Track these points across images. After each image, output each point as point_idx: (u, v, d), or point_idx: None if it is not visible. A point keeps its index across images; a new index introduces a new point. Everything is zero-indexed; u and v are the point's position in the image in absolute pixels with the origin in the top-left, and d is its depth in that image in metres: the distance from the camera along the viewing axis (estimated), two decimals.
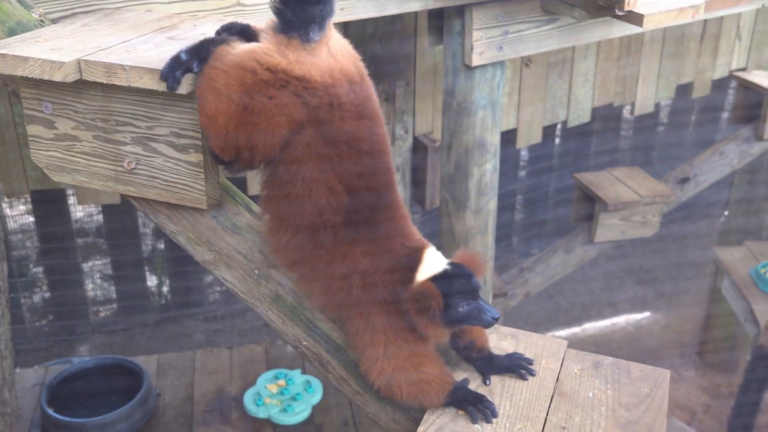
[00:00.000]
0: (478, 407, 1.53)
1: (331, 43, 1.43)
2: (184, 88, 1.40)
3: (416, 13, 3.19)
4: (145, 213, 1.66)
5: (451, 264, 1.50)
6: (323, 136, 1.40)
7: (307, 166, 1.41)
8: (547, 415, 1.54)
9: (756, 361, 2.85)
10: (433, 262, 1.49)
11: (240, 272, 1.61)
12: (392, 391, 1.53)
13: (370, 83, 1.49)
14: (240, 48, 1.41)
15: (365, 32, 3.26)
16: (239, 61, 1.38)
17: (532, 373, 1.63)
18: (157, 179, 1.55)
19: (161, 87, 1.40)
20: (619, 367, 1.67)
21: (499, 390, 1.60)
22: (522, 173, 5.42)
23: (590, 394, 1.60)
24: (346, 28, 3.25)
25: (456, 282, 1.47)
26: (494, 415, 1.52)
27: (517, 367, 1.63)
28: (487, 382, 1.61)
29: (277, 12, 1.38)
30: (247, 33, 1.50)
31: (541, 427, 1.51)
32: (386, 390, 1.53)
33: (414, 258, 1.49)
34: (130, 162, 1.55)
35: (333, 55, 1.42)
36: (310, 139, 1.40)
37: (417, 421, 1.54)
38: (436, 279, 1.46)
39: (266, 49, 1.38)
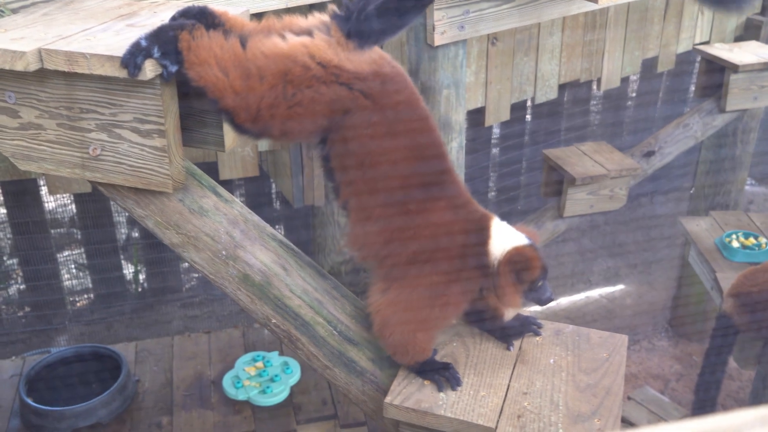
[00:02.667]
0: (444, 376, 1.59)
1: None
2: (145, 74, 1.42)
3: None
4: (114, 199, 1.69)
5: (528, 237, 1.61)
6: (382, 109, 1.49)
7: (381, 138, 1.51)
8: (509, 381, 1.60)
9: (719, 328, 2.93)
10: (506, 232, 1.60)
11: (208, 254, 1.64)
12: (381, 332, 1.61)
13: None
14: (292, 40, 1.48)
15: None
16: (290, 53, 1.46)
17: (537, 334, 1.74)
18: (123, 165, 1.57)
19: (122, 74, 1.42)
20: (579, 334, 1.73)
21: (464, 360, 1.65)
22: (494, 150, 5.47)
23: (551, 361, 1.66)
24: (311, 12, 3.26)
25: (542, 257, 1.59)
26: (458, 383, 1.58)
27: (530, 325, 1.75)
28: (510, 348, 1.70)
29: (357, 26, 1.46)
30: (205, 15, 1.53)
31: (504, 393, 1.57)
32: (377, 328, 1.62)
33: (483, 223, 1.60)
34: (96, 148, 1.57)
35: None
36: (371, 114, 1.49)
37: (385, 393, 1.59)
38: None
39: (319, 44, 1.47)
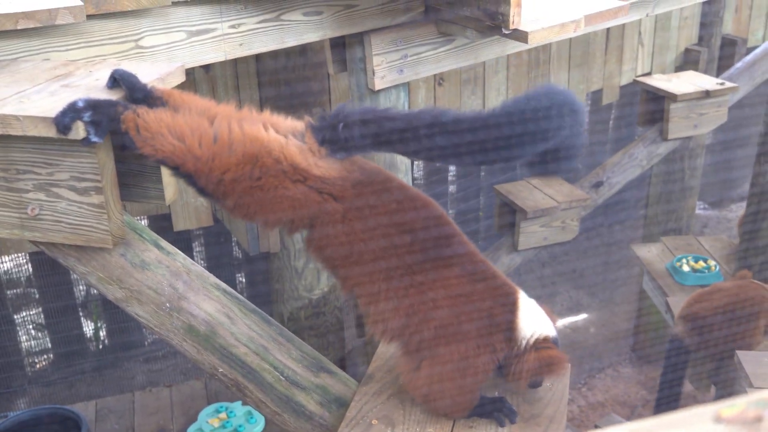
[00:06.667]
0: (502, 411, 1.67)
1: None
2: (77, 134, 1.44)
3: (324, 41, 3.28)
4: (55, 257, 1.69)
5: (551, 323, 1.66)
6: (361, 205, 1.53)
7: (365, 230, 1.54)
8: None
9: (672, 351, 2.98)
10: (534, 311, 1.63)
11: (151, 307, 1.65)
12: (425, 404, 1.66)
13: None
14: (273, 134, 1.53)
15: (277, 64, 3.34)
16: (267, 143, 1.50)
17: (501, 424, 1.67)
18: (62, 223, 1.58)
19: (55, 134, 1.44)
20: None
21: (410, 396, 1.67)
22: (452, 188, 5.55)
23: (496, 393, 1.68)
24: (259, 63, 3.31)
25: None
26: (516, 415, 1.64)
27: (504, 410, 1.69)
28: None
29: (331, 133, 1.52)
30: (150, 99, 1.56)
31: (450, 428, 1.59)
32: (420, 401, 1.67)
33: (510, 297, 1.61)
34: (34, 208, 1.58)
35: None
36: (344, 213, 1.53)
37: None
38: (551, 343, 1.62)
39: (291, 148, 1.51)
